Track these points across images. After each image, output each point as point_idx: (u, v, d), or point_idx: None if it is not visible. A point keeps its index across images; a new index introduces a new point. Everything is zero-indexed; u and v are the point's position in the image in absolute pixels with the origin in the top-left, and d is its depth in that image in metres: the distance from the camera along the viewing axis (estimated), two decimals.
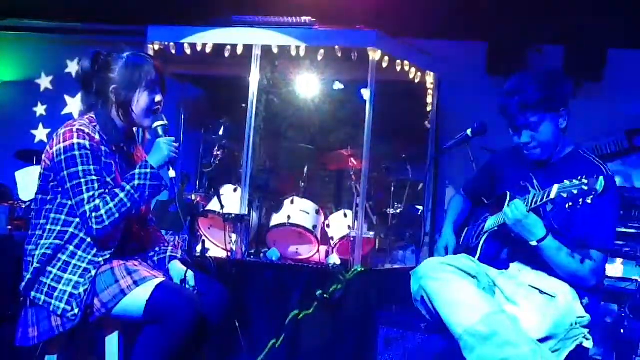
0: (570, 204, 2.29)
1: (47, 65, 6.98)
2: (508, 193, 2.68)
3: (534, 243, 2.45)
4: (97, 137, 2.53)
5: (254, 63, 4.85)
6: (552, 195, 2.33)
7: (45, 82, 6.98)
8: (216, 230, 4.97)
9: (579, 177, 2.28)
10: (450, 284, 2.41)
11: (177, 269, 2.74)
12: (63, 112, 6.80)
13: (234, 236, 4.69)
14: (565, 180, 2.31)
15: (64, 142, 2.47)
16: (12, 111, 7.00)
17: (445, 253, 2.90)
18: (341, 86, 5.74)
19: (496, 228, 2.67)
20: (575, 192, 2.27)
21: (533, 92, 2.51)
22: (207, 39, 4.96)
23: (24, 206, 4.97)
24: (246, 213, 4.72)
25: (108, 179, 2.53)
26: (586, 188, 2.25)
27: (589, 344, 2.47)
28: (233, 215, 4.61)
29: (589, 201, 2.25)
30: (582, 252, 2.47)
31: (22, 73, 7.07)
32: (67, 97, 6.86)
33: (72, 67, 6.83)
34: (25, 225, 4.60)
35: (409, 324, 3.44)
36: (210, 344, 2.77)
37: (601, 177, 2.24)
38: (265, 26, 4.88)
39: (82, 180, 2.45)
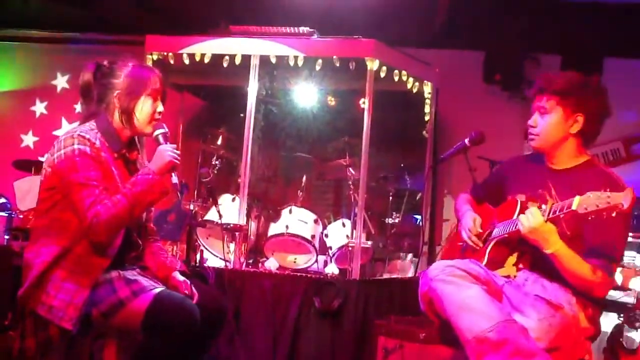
0: (593, 216, 2.21)
1: (48, 73, 6.99)
2: (518, 200, 2.65)
3: (548, 251, 2.40)
4: (97, 143, 2.53)
5: (252, 73, 4.85)
6: (574, 207, 2.25)
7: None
8: (214, 239, 4.97)
9: (603, 191, 2.19)
10: (462, 289, 2.37)
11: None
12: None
13: (232, 246, 4.69)
14: (588, 193, 2.23)
15: (64, 148, 2.47)
16: (9, 120, 7.00)
17: (472, 223, 2.81)
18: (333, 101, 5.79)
19: (506, 235, 2.62)
20: (600, 206, 2.18)
21: (556, 81, 2.58)
22: (205, 49, 4.96)
23: (21, 216, 4.97)
24: (244, 223, 4.72)
25: (109, 186, 2.51)
26: (611, 203, 2.16)
27: (588, 357, 2.46)
28: (231, 225, 4.61)
29: (613, 215, 2.18)
30: (592, 260, 2.42)
31: (20, 82, 7.08)
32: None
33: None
34: (23, 235, 4.60)
35: (407, 334, 3.42)
36: (209, 354, 2.76)
37: (628, 190, 2.17)
38: (263, 36, 4.89)
39: (83, 186, 2.44)
